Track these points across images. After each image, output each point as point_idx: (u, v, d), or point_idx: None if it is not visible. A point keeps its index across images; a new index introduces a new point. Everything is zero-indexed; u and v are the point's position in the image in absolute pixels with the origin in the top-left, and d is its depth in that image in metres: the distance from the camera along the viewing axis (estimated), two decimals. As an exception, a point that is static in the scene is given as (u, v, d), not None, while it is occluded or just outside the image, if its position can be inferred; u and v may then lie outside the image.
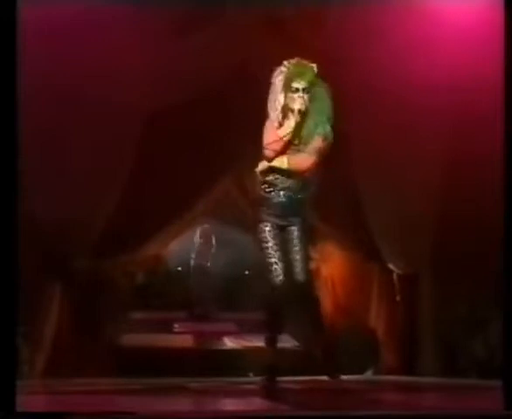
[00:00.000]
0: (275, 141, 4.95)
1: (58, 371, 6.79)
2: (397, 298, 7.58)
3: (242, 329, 9.86)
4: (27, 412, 3.75)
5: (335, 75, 6.55)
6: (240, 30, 6.64)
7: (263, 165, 5.04)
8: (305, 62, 4.96)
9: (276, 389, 5.02)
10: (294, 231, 5.07)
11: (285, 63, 4.97)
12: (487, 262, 6.22)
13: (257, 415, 4.00)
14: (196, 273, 11.17)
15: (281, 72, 4.96)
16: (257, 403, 4.78)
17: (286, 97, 4.93)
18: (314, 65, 4.96)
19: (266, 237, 4.98)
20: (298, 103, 4.88)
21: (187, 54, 6.64)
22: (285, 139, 4.92)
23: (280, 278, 4.94)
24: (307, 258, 5.12)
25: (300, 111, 4.89)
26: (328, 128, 4.99)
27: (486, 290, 6.55)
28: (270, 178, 5.03)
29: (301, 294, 5.13)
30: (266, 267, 4.98)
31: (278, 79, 4.95)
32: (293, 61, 4.97)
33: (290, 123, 4.91)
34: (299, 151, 5.01)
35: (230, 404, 5.08)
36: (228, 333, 9.67)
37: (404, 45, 6.37)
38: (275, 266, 4.95)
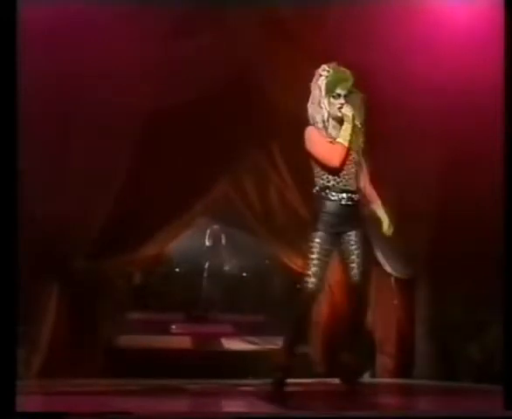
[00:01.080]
0: (336, 149, 5.02)
1: (56, 371, 6.77)
2: (395, 301, 7.56)
3: (240, 330, 9.89)
4: (27, 412, 3.75)
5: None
6: (240, 31, 6.63)
7: (322, 173, 5.10)
8: (343, 68, 5.08)
9: (274, 391, 5.03)
10: (352, 237, 5.12)
11: (324, 66, 5.07)
12: (486, 265, 6.20)
13: (255, 416, 4.00)
14: (194, 274, 11.21)
15: (321, 75, 5.05)
16: (255, 405, 4.78)
17: (329, 102, 5.03)
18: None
19: (313, 247, 5.04)
20: (347, 109, 5.01)
21: (187, 54, 6.62)
22: (346, 144, 5.02)
23: (311, 291, 5.03)
24: (363, 263, 5.16)
25: (354, 116, 5.01)
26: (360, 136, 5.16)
27: (484, 293, 6.52)
28: (329, 184, 5.09)
29: (356, 298, 5.17)
30: (303, 276, 5.08)
31: (319, 83, 5.05)
32: (332, 65, 5.07)
33: (346, 129, 5.02)
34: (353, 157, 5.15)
35: (228, 406, 5.08)
36: (226, 335, 9.70)
37: (404, 46, 6.37)
38: (310, 279, 5.02)
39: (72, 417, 3.65)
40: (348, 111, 4.99)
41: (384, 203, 5.36)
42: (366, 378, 7.58)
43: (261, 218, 8.38)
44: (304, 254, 5.19)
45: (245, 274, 11.69)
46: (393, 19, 6.30)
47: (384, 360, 7.62)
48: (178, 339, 9.50)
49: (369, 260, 5.42)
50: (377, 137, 6.77)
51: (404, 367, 7.38)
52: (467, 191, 6.56)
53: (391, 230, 5.26)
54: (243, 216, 8.72)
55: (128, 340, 8.50)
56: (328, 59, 5.12)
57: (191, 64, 6.63)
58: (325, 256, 5.05)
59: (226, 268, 11.69)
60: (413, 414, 4.11)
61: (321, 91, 5.03)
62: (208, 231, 11.41)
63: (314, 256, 5.02)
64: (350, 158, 5.08)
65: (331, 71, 5.03)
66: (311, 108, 5.10)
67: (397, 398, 5.85)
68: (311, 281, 5.01)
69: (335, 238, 5.10)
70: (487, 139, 5.84)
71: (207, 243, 11.44)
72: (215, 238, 11.51)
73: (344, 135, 5.00)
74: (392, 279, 7.59)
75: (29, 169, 5.59)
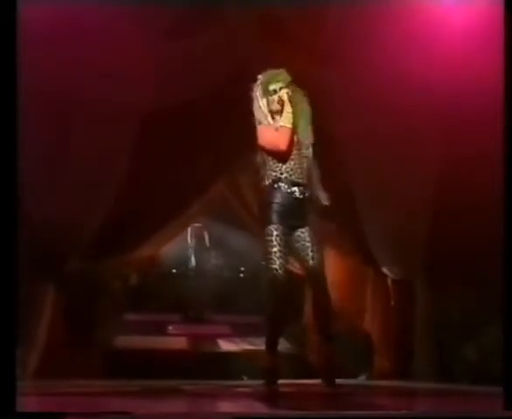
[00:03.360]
0: (280, 133, 5.11)
1: (53, 372, 6.75)
2: (392, 302, 7.56)
3: (236, 331, 9.89)
4: (27, 412, 3.74)
5: (335, 75, 6.61)
6: (240, 31, 6.65)
7: (272, 166, 5.16)
8: (276, 70, 5.25)
9: (270, 392, 5.02)
10: (306, 231, 5.11)
11: (258, 76, 5.25)
12: (485, 266, 6.21)
13: (251, 417, 4.00)
14: (190, 275, 11.20)
15: (257, 83, 5.24)
16: (251, 406, 4.76)
17: (268, 101, 5.19)
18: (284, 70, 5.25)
19: (272, 241, 4.99)
20: (283, 93, 5.14)
21: (186, 54, 6.64)
22: (289, 126, 5.09)
23: (281, 284, 4.97)
24: (321, 255, 5.14)
25: (291, 98, 5.13)
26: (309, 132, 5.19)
27: (482, 295, 6.54)
28: (282, 176, 5.14)
29: (317, 290, 5.15)
30: (268, 271, 5.03)
31: (256, 91, 5.23)
32: (265, 72, 5.26)
33: (287, 111, 5.12)
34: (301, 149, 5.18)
35: (224, 406, 5.06)
36: (223, 336, 9.69)
37: (404, 46, 6.39)
38: (277, 272, 4.97)
39: (71, 417, 3.64)
40: (284, 95, 5.12)
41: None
42: (362, 379, 7.59)
43: (258, 218, 8.37)
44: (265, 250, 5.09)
45: (241, 275, 11.68)
46: (393, 19, 6.32)
47: (382, 362, 7.62)
48: (175, 340, 9.49)
49: (324, 258, 5.35)
50: (375, 139, 6.84)
51: (402, 368, 7.37)
52: (466, 191, 6.57)
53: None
54: (239, 216, 8.72)
55: (124, 341, 8.50)
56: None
57: (191, 64, 6.64)
58: (285, 247, 5.02)
59: (223, 269, 11.68)
60: (412, 414, 4.11)
61: (258, 96, 5.21)
62: (200, 230, 11.39)
63: (275, 249, 4.98)
64: (300, 152, 5.16)
65: (264, 75, 5.23)
66: (256, 114, 5.24)
67: (394, 400, 5.83)
68: (279, 275, 4.96)
69: (289, 233, 5.08)
70: (487, 139, 5.85)
71: (200, 242, 11.42)
72: (211, 239, 11.50)
73: (286, 118, 5.11)
74: (390, 281, 7.59)
75: (29, 169, 5.59)
